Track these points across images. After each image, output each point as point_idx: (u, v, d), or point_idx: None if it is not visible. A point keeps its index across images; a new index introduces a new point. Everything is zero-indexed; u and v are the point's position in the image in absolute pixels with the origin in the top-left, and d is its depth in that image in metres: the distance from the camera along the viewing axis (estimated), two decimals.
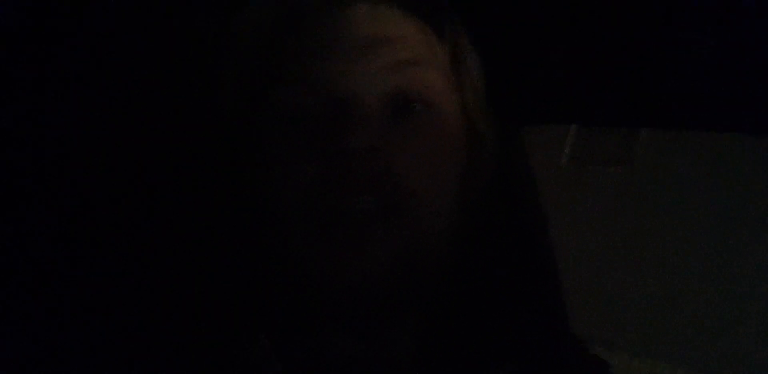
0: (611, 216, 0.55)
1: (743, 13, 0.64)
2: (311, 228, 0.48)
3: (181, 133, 0.62)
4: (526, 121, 0.61)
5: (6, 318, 0.62)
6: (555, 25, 0.68)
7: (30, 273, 0.64)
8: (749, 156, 0.59)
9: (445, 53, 0.55)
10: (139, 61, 0.68)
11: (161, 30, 0.68)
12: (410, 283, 0.48)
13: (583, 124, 0.63)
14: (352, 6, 0.53)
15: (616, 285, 0.51)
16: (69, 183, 0.67)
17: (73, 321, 0.62)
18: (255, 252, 0.53)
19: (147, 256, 0.63)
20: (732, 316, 0.54)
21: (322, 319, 0.52)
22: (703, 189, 0.57)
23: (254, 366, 0.52)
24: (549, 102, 0.65)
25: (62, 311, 0.63)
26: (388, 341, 0.52)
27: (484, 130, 0.55)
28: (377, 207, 0.47)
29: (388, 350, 0.52)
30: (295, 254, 0.50)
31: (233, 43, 0.56)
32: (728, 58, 0.64)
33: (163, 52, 0.67)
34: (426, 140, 0.50)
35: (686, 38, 0.65)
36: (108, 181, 0.67)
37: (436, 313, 0.52)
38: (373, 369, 0.52)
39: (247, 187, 0.53)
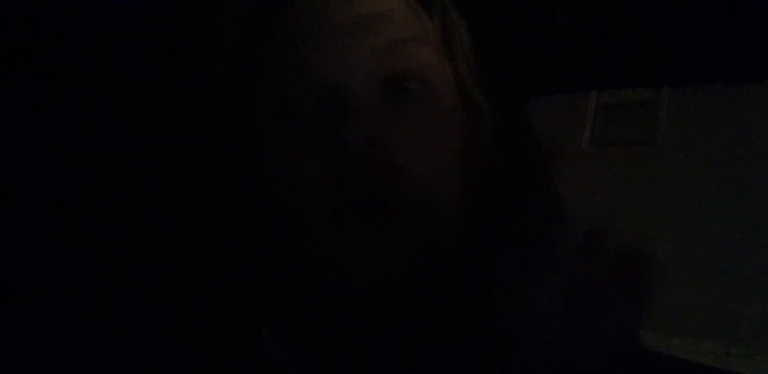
0: (636, 196, 0.55)
1: None
2: (321, 223, 0.47)
3: (175, 132, 0.61)
4: (531, 93, 0.60)
5: (19, 317, 0.62)
6: None
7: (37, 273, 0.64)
8: None
9: (434, 26, 0.53)
10: (124, 62, 0.66)
11: (142, 29, 0.66)
12: (425, 271, 0.48)
13: (588, 88, 0.61)
14: None
15: None
16: (73, 184, 0.66)
17: (79, 318, 0.62)
18: (262, 248, 0.53)
19: (151, 253, 0.63)
20: (764, 291, 0.54)
21: (334, 312, 0.52)
22: (728, 166, 0.56)
23: (262, 362, 0.52)
24: (550, 71, 0.64)
25: (68, 308, 0.63)
26: (401, 330, 0.51)
27: (480, 101, 0.54)
28: (384, 198, 0.46)
29: (401, 338, 0.51)
30: (307, 248, 0.49)
31: (213, 35, 0.54)
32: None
33: (146, 50, 0.66)
34: (424, 119, 0.49)
35: None
36: (109, 182, 0.66)
37: (449, 299, 0.51)
38: (386, 359, 0.51)
39: (250, 183, 0.52)
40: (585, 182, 0.55)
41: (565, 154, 0.55)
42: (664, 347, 0.47)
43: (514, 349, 0.47)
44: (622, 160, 0.56)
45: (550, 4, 0.65)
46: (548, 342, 0.47)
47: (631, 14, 0.64)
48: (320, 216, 0.46)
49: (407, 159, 0.46)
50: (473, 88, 0.52)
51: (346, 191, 0.45)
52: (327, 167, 0.45)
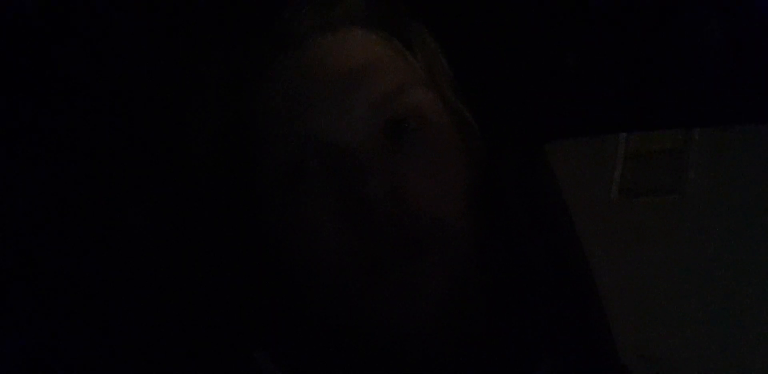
0: (664, 245, 0.55)
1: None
2: (348, 276, 0.48)
3: (175, 198, 0.61)
4: (547, 136, 0.61)
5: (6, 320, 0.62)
6: (562, 30, 0.67)
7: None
8: None
9: (418, 61, 0.54)
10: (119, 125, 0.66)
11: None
12: (454, 315, 0.48)
13: (605, 132, 0.62)
14: (309, 40, 0.49)
15: (672, 313, 0.51)
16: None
17: (76, 326, 0.62)
18: (285, 300, 0.53)
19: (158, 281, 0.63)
20: None
21: (361, 362, 0.51)
22: (758, 217, 0.56)
23: None
24: (564, 115, 0.65)
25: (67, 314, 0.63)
26: (429, 370, 0.51)
27: (468, 117, 0.54)
28: (412, 243, 0.47)
29: None
30: (336, 301, 0.49)
31: (200, 103, 0.54)
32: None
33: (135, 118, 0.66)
34: (428, 154, 0.49)
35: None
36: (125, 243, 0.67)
37: (470, 343, 0.51)
38: None
39: (260, 243, 0.52)
40: (616, 229, 0.55)
41: (593, 202, 0.56)
42: None
43: None
44: (650, 209, 0.56)
45: (560, 47, 0.65)
46: None
47: (642, 54, 0.64)
48: (346, 269, 0.46)
49: (426, 200, 0.47)
50: (460, 107, 0.54)
51: (373, 243, 0.45)
52: (349, 222, 0.46)
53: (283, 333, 0.52)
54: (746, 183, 0.59)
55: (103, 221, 0.66)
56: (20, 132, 0.66)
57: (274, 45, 0.49)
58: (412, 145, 0.49)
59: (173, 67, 0.60)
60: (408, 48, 0.52)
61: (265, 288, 0.53)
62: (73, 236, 0.66)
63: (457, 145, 0.52)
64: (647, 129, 0.59)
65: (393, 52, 0.52)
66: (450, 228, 0.48)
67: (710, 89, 0.63)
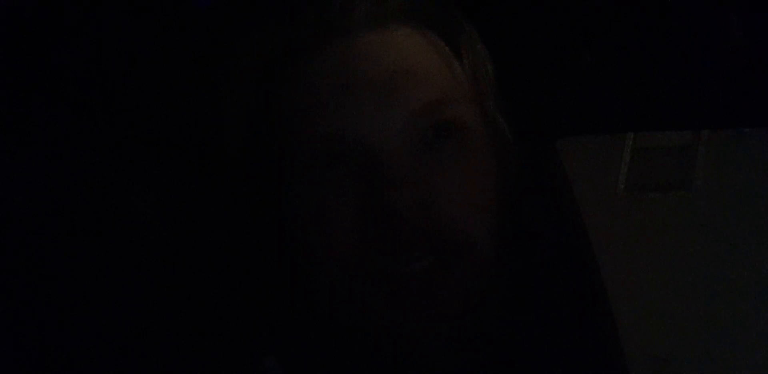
0: (671, 242, 0.54)
1: None
2: (365, 285, 0.46)
3: (195, 186, 0.60)
4: (558, 133, 0.60)
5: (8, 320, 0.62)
6: (578, 31, 0.67)
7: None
8: None
9: (464, 68, 0.52)
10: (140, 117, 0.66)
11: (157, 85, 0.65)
12: (469, 330, 0.47)
13: (617, 130, 0.61)
14: (357, 33, 0.47)
15: (678, 310, 0.50)
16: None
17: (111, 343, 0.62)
18: (302, 308, 0.51)
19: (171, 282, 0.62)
20: None
21: (371, 371, 0.50)
22: (766, 213, 0.55)
23: None
24: (579, 112, 0.65)
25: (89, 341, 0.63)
26: None
27: (504, 128, 0.53)
28: (434, 260, 0.45)
29: None
30: (349, 310, 0.47)
31: (230, 95, 0.52)
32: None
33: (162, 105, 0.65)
34: (461, 168, 0.48)
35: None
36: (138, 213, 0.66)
37: (483, 356, 0.50)
38: None
39: (280, 245, 0.50)
40: (623, 226, 0.54)
41: (600, 199, 0.55)
42: None
43: None
44: (657, 205, 0.55)
45: (577, 45, 0.65)
46: None
47: (657, 56, 0.64)
48: (362, 278, 0.45)
49: (456, 214, 0.45)
50: (498, 119, 0.52)
51: (394, 256, 0.44)
52: (370, 232, 0.44)
53: (293, 340, 0.51)
54: (755, 179, 0.58)
55: (114, 219, 0.65)
56: (38, 128, 0.66)
57: (321, 32, 0.47)
58: (446, 159, 0.47)
59: (208, 48, 0.58)
60: (456, 54, 0.50)
61: (278, 292, 0.52)
62: (85, 235, 0.65)
63: (491, 159, 0.50)
64: (658, 129, 0.58)
65: (440, 58, 0.50)
66: (477, 244, 0.46)
67: (722, 91, 0.62)
